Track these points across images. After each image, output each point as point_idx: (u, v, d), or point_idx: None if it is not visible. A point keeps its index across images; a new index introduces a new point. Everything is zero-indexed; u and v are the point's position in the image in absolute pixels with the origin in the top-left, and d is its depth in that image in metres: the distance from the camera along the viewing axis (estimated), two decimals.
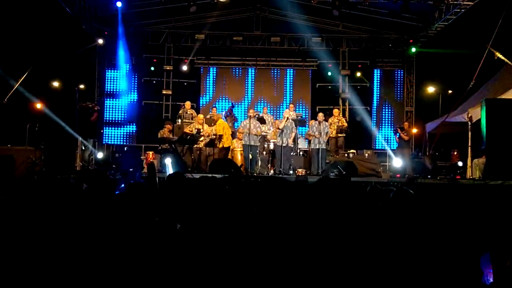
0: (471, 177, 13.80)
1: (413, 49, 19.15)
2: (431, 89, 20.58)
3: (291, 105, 16.88)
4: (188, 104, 16.90)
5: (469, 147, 14.56)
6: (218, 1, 16.47)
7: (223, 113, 17.69)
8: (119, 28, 17.95)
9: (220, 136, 15.41)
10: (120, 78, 19.86)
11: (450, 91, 20.25)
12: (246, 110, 18.22)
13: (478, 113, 13.64)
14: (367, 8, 17.82)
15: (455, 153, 16.10)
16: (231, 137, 15.79)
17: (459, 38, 16.91)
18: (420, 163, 15.14)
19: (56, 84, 19.08)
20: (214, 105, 18.69)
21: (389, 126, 19.88)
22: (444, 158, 16.57)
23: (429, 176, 14.12)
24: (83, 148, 14.81)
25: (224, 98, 20.27)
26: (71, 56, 17.78)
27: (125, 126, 19.76)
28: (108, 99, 19.76)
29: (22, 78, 14.54)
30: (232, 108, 17.89)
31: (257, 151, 15.01)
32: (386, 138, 19.78)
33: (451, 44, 17.64)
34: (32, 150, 13.72)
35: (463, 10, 16.04)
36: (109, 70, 19.92)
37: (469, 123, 14.66)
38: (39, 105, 15.01)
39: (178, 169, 13.01)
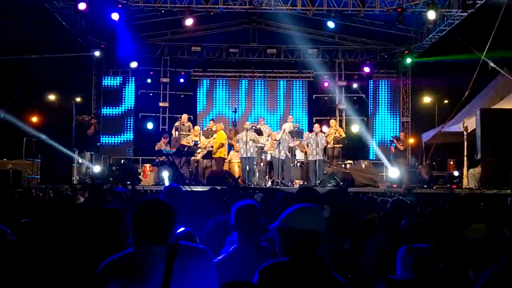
0: (467, 186, 13.84)
1: (408, 60, 19.22)
2: (427, 99, 20.69)
3: (290, 117, 16.90)
4: (185, 117, 16.90)
5: (465, 157, 14.61)
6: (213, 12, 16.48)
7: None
8: (116, 41, 17.98)
9: (221, 145, 15.39)
10: (116, 91, 19.89)
11: (445, 101, 20.38)
12: (241, 121, 18.15)
13: (474, 123, 13.72)
14: (363, 20, 17.93)
15: (451, 162, 16.13)
16: (225, 149, 15.77)
17: (453, 49, 17.03)
18: (416, 173, 15.17)
19: (52, 97, 19.11)
20: (211, 118, 18.75)
21: (385, 137, 19.87)
22: (440, 168, 16.60)
23: (425, 186, 14.16)
24: (79, 161, 14.79)
25: (221, 110, 20.30)
26: (67, 69, 17.84)
27: (122, 139, 19.75)
28: (104, 112, 19.75)
29: (18, 92, 14.59)
30: (235, 123, 17.89)
31: (254, 162, 15.01)
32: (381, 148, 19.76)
33: (445, 55, 17.76)
34: (30, 164, 13.73)
35: (457, 21, 16.13)
36: (106, 82, 19.94)
37: (465, 133, 14.72)
38: (35, 119, 15.02)
39: (175, 181, 13.02)
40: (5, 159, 14.12)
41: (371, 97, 20.46)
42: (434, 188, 14.12)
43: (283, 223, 2.79)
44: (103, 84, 19.97)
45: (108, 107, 19.91)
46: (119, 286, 2.57)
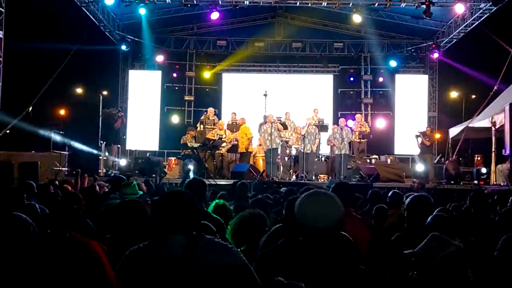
0: (495, 183, 13.64)
1: (435, 54, 18.96)
2: (454, 94, 20.41)
3: (315, 111, 16.77)
4: (211, 110, 16.99)
5: (493, 153, 14.41)
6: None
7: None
8: (143, 35, 18.13)
9: (247, 140, 15.44)
10: (143, 84, 20.01)
11: (473, 96, 20.08)
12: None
13: (502, 118, 13.51)
14: (389, 13, 17.74)
15: (479, 158, 15.90)
16: (251, 143, 15.81)
17: (482, 43, 16.76)
18: (443, 169, 14.98)
19: (79, 90, 19.35)
20: (233, 112, 18.74)
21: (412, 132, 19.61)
22: (467, 164, 16.39)
23: (452, 182, 13.99)
24: (107, 154, 14.98)
25: (246, 104, 20.27)
26: (94, 63, 18.04)
27: (148, 132, 19.88)
28: (131, 105, 19.89)
29: (46, 86, 14.79)
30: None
31: (279, 156, 15.00)
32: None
33: (474, 49, 17.49)
34: (57, 156, 13.93)
35: (486, 15, 15.85)
36: (132, 76, 20.08)
37: (493, 128, 14.50)
38: (63, 112, 15.24)
39: (199, 175, 13.10)
40: (33, 151, 14.35)
41: (397, 91, 20.20)
42: (461, 184, 13.96)
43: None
44: (130, 77, 20.11)
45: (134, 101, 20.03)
46: (140, 276, 2.60)
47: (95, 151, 14.07)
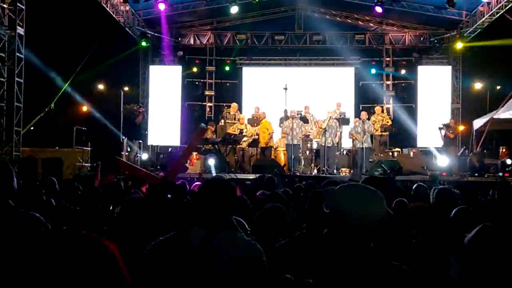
0: None
1: (459, 45, 18.61)
2: (478, 85, 20.07)
3: (338, 104, 16.56)
4: (234, 106, 17.01)
5: None
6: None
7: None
8: (162, 30, 18.17)
9: (268, 134, 15.39)
10: (163, 79, 20.05)
11: (498, 87, 19.73)
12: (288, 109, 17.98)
13: None
14: (411, 4, 17.48)
15: (504, 150, 15.63)
16: (272, 138, 15.76)
17: (507, 32, 16.42)
18: (467, 161, 14.76)
19: (101, 87, 19.48)
20: (256, 105, 18.68)
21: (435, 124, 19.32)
22: (492, 156, 16.12)
23: (476, 174, 13.78)
24: (129, 149, 15.07)
25: (266, 97, 20.20)
26: (115, 59, 18.13)
27: (169, 127, 19.93)
28: (152, 101, 19.95)
29: (68, 82, 14.92)
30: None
31: (300, 150, 14.93)
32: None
33: (498, 39, 17.16)
34: (80, 152, 14.10)
35: (511, 3, 15.53)
36: (153, 72, 20.12)
37: None
38: (85, 108, 15.36)
39: (221, 169, 13.10)
40: (57, 147, 14.52)
41: (420, 83, 19.89)
42: (486, 176, 13.74)
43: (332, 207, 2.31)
44: (150, 73, 20.14)
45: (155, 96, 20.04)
46: (160, 269, 2.58)
47: (117, 146, 14.19)
